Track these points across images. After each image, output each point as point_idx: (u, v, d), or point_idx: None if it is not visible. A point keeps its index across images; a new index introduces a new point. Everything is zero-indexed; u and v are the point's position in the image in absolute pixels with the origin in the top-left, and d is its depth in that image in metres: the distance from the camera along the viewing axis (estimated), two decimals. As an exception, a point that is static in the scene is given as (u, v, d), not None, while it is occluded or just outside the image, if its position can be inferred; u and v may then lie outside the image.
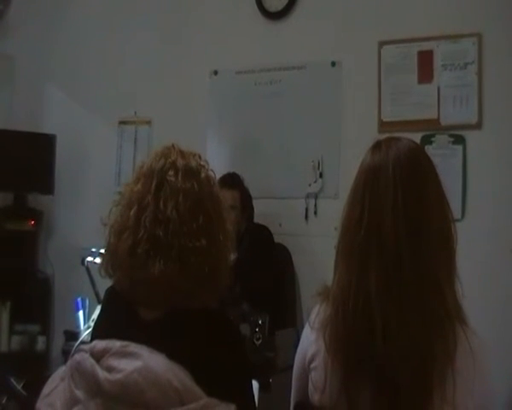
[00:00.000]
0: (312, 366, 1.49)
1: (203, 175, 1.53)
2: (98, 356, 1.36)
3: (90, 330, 3.17)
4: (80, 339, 3.29)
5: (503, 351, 3.06)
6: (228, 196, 3.57)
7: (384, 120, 3.73)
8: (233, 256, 1.57)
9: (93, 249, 3.27)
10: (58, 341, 4.11)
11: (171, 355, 1.33)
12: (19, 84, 4.81)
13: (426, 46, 3.64)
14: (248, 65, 4.15)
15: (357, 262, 1.41)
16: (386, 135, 1.57)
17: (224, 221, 1.54)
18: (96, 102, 4.58)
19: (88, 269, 3.43)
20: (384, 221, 1.39)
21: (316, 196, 3.90)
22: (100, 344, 1.38)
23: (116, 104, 4.50)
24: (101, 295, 1.70)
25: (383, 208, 1.40)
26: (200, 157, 1.57)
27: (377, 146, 1.50)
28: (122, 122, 4.55)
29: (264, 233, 3.77)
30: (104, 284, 1.60)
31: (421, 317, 1.35)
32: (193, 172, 1.51)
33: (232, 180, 3.66)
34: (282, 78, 4.06)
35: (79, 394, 1.34)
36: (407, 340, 1.33)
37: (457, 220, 1.78)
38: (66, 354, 3.36)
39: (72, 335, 3.59)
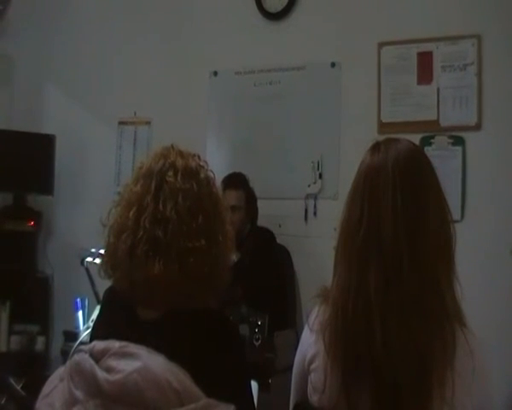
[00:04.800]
0: (312, 367, 1.49)
1: (202, 175, 1.53)
2: (97, 357, 1.36)
3: (89, 330, 3.17)
4: (80, 339, 3.29)
5: (503, 352, 3.06)
6: (232, 196, 3.57)
7: (383, 121, 3.73)
8: (234, 257, 1.57)
9: (92, 250, 3.28)
10: (57, 341, 4.12)
11: (171, 356, 1.33)
12: (18, 84, 4.81)
13: (425, 47, 3.65)
14: (248, 66, 4.15)
15: (356, 263, 1.41)
16: (386, 136, 1.57)
17: (223, 221, 1.54)
18: (95, 103, 4.58)
19: (87, 269, 3.43)
20: (383, 222, 1.39)
21: (315, 197, 3.90)
22: (99, 345, 1.38)
23: (116, 104, 4.50)
24: (101, 295, 1.70)
25: (382, 209, 1.40)
26: (199, 157, 1.57)
27: (376, 147, 1.50)
28: (122, 122, 4.55)
29: (266, 236, 3.76)
30: (103, 284, 1.60)
31: (420, 318, 1.35)
32: (192, 172, 1.51)
33: (237, 180, 3.67)
34: (282, 78, 4.07)
35: (78, 394, 1.34)
36: (406, 341, 1.33)
37: (457, 222, 1.78)
38: (65, 354, 3.36)
39: (72, 335, 3.60)
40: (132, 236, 1.44)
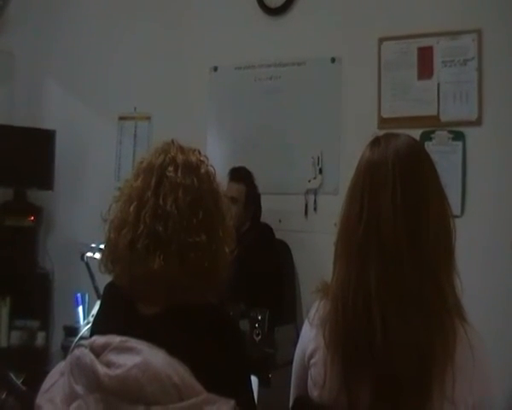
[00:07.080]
0: (312, 362, 1.49)
1: (203, 170, 1.53)
2: (98, 351, 1.36)
3: (89, 325, 3.17)
4: (80, 334, 3.29)
5: (504, 347, 3.06)
6: (232, 188, 3.58)
7: (384, 116, 3.73)
8: (233, 252, 1.57)
9: (93, 245, 3.28)
10: (58, 336, 4.12)
11: (171, 351, 1.33)
12: (18, 79, 4.81)
13: (426, 42, 3.64)
14: (248, 61, 4.15)
15: (356, 259, 1.41)
16: (386, 131, 1.56)
17: (223, 217, 1.54)
18: (95, 98, 4.59)
19: (87, 264, 3.43)
20: (383, 217, 1.39)
21: (315, 192, 3.90)
22: (99, 340, 1.39)
23: (116, 100, 4.51)
24: (101, 290, 1.70)
25: (382, 205, 1.40)
26: (199, 152, 1.57)
27: (376, 142, 1.50)
28: (122, 118, 4.55)
29: (265, 231, 3.76)
30: (104, 279, 1.60)
31: (420, 313, 1.34)
32: (192, 167, 1.51)
33: (240, 174, 3.67)
34: (282, 74, 4.06)
35: (79, 389, 1.34)
36: (407, 336, 1.33)
37: (457, 217, 1.78)
38: (65, 349, 3.36)
39: (72, 330, 3.60)
40: (132, 231, 1.44)
